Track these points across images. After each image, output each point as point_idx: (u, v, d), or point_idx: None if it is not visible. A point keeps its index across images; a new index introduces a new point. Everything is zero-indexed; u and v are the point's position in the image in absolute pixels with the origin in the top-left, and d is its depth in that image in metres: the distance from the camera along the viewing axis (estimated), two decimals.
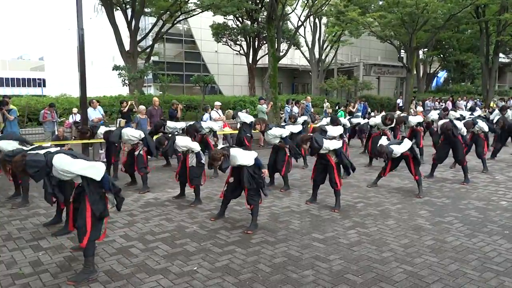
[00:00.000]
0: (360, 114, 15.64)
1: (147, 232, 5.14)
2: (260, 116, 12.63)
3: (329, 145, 6.08)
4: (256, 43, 26.92)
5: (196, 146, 6.65)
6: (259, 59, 27.97)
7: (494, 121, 10.69)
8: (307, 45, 29.35)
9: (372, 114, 12.52)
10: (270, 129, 7.42)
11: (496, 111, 13.20)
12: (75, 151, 4.19)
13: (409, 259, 4.27)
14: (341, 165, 6.28)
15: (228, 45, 27.63)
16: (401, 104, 23.82)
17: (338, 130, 8.46)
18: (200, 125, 9.10)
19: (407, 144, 6.86)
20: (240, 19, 26.10)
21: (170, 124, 9.49)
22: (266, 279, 3.85)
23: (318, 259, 4.28)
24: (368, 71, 33.79)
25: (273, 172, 7.62)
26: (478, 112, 14.66)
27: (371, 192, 7.14)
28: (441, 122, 8.31)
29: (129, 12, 20.38)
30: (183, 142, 6.60)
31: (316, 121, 16.14)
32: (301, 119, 11.19)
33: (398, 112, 15.88)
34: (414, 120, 10.10)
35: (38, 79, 62.13)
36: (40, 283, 3.77)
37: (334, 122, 9.39)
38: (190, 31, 33.20)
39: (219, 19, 25.84)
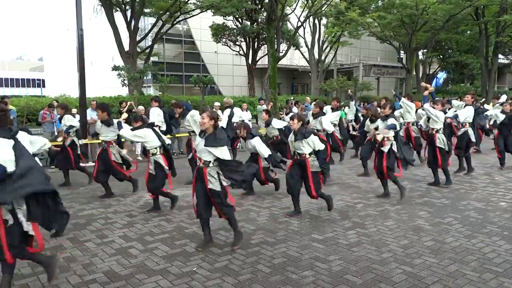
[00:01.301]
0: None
1: (147, 233, 5.14)
2: (260, 117, 12.60)
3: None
4: (256, 43, 26.95)
5: (153, 140, 5.83)
6: (258, 59, 28.01)
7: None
8: (306, 46, 29.38)
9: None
10: (253, 137, 6.85)
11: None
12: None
13: (408, 259, 4.27)
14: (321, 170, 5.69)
15: (227, 45, 27.65)
16: None
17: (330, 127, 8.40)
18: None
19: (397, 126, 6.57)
20: (239, 19, 26.12)
21: (156, 110, 9.01)
22: (266, 279, 3.85)
23: (317, 260, 4.28)
24: (368, 71, 33.83)
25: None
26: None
27: (370, 193, 7.13)
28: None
29: (128, 12, 20.39)
30: (141, 132, 5.84)
31: None
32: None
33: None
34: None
35: (37, 79, 62.17)
36: (39, 284, 3.77)
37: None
38: (189, 31, 33.22)
39: (219, 19, 25.86)
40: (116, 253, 4.47)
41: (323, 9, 23.96)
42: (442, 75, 42.87)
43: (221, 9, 20.85)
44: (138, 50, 21.76)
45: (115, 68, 17.44)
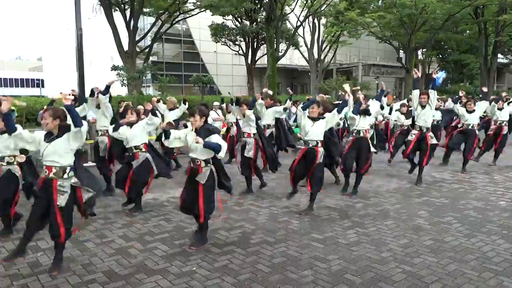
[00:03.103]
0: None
1: (146, 233, 5.13)
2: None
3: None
4: (255, 43, 26.95)
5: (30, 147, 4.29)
6: (258, 59, 28.00)
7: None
8: (306, 46, 29.37)
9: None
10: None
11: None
12: None
13: (408, 259, 4.28)
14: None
15: (227, 45, 27.66)
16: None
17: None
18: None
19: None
20: (239, 19, 26.12)
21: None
22: (265, 279, 3.85)
23: (317, 259, 4.28)
24: (367, 71, 33.87)
25: None
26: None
27: (370, 193, 7.14)
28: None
29: (127, 12, 20.39)
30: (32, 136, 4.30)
31: None
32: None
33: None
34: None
35: (36, 79, 61.99)
36: (39, 284, 3.76)
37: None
38: (189, 31, 33.23)
39: (218, 19, 25.86)
40: (116, 253, 4.47)
41: (322, 8, 23.97)
42: (441, 75, 42.86)
43: (220, 8, 20.84)
44: (137, 49, 21.77)
45: (114, 67, 17.46)
